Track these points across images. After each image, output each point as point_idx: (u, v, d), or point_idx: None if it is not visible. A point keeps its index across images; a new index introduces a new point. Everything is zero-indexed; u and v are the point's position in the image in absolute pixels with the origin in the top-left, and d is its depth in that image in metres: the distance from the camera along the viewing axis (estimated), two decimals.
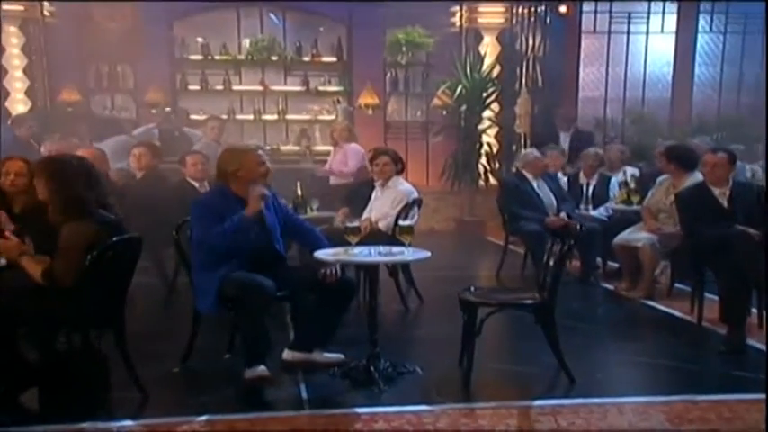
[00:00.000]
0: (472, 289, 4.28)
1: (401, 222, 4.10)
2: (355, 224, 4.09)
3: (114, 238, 3.46)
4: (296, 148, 10.01)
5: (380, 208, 5.84)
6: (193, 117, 9.65)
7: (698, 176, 6.06)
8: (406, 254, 4.02)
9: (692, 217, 5.22)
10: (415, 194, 5.86)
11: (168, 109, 9.43)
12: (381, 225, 5.65)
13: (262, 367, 3.86)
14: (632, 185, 6.84)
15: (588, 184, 7.34)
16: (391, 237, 5.15)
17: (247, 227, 4.01)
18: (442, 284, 6.36)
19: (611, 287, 6.53)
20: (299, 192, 6.08)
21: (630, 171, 7.90)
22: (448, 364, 4.29)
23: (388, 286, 5.63)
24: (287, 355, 4.23)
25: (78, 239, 3.44)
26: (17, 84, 9.61)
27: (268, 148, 9.81)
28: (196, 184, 5.83)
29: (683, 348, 4.77)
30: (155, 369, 4.14)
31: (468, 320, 4.04)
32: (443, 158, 10.13)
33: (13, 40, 9.56)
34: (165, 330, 5.20)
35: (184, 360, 4.32)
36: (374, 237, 5.07)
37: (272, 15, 10.36)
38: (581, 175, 7.41)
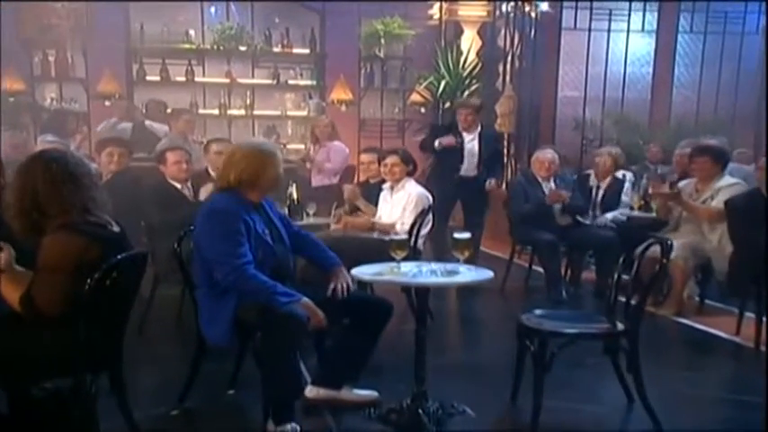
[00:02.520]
0: (537, 312, 3.64)
1: (457, 235, 3.41)
2: (403, 237, 3.39)
3: (117, 256, 2.68)
4: None
5: (391, 214, 5.17)
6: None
7: (729, 180, 5.61)
8: (465, 273, 3.34)
9: (748, 227, 4.70)
10: (431, 199, 5.22)
11: (124, 101, 8.50)
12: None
13: (292, 425, 3.13)
14: (650, 190, 6.31)
15: (599, 187, 6.79)
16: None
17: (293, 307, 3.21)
18: (444, 300, 5.77)
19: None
20: (294, 194, 5.32)
21: (628, 175, 7.47)
22: (492, 399, 3.71)
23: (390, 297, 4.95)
24: (310, 392, 3.54)
25: (64, 257, 2.65)
26: None
27: None
28: (178, 186, 5.01)
29: (747, 377, 4.24)
30: (144, 410, 3.36)
31: (538, 352, 3.39)
32: (421, 159, 9.43)
33: None
34: (147, 358, 4.42)
35: (182, 399, 3.56)
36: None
37: (232, 6, 9.53)
38: (592, 176, 6.85)
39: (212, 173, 5.44)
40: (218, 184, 3.54)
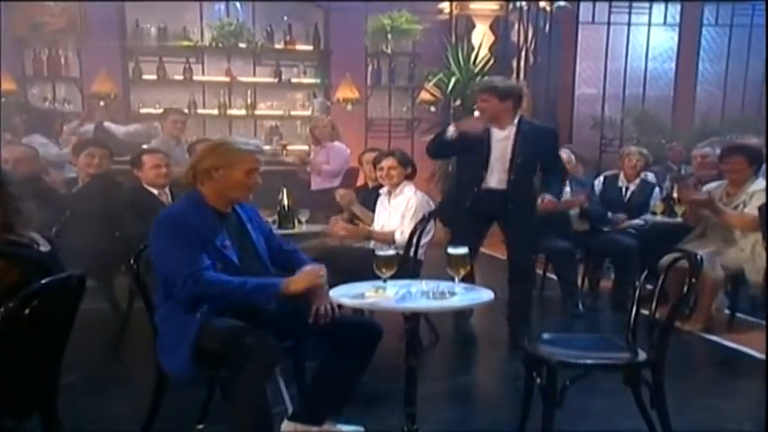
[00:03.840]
0: (545, 337, 3.18)
1: (451, 250, 2.94)
2: (390, 252, 2.93)
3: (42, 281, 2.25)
4: (266, 147, 8.76)
5: (388, 221, 4.73)
6: (146, 110, 8.40)
7: (762, 183, 5.12)
8: (461, 296, 2.88)
9: None
10: (432, 204, 4.77)
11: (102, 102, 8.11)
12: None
13: None
14: (674, 194, 5.82)
15: (627, 188, 6.30)
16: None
17: (268, 298, 2.88)
18: (448, 314, 5.32)
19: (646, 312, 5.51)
20: (285, 201, 4.88)
21: (650, 176, 6.98)
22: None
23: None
24: (287, 427, 3.09)
25: None
26: None
27: None
28: (156, 192, 4.58)
29: None
30: None
31: (546, 385, 2.93)
32: (431, 160, 8.98)
33: None
34: (118, 379, 4.01)
35: None
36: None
37: (237, 4, 9.11)
38: (621, 177, 6.35)
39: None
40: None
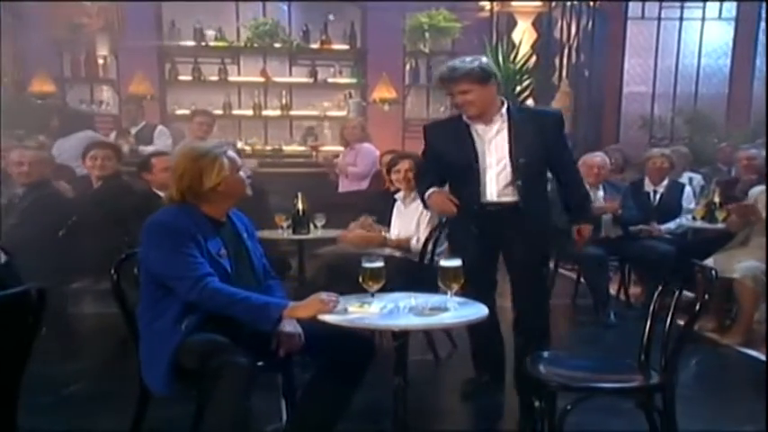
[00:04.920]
0: (545, 356, 2.96)
1: (444, 263, 2.75)
2: (377, 264, 2.74)
3: None
4: (301, 148, 8.68)
5: (403, 227, 4.53)
6: (181, 112, 8.38)
7: None
8: (452, 312, 2.68)
9: None
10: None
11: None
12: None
13: None
14: (716, 197, 5.49)
15: (655, 192, 5.98)
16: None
17: (269, 320, 2.68)
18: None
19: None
20: (300, 205, 4.73)
21: (696, 178, 6.65)
22: None
23: None
24: None
25: None
26: None
27: (269, 148, 8.56)
28: (164, 195, 4.49)
29: None
30: None
31: (542, 409, 2.71)
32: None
33: None
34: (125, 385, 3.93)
35: None
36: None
37: (281, 5, 9.03)
38: (646, 181, 6.04)
39: None
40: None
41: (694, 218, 5.59)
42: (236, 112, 8.82)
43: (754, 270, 4.63)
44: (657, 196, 5.96)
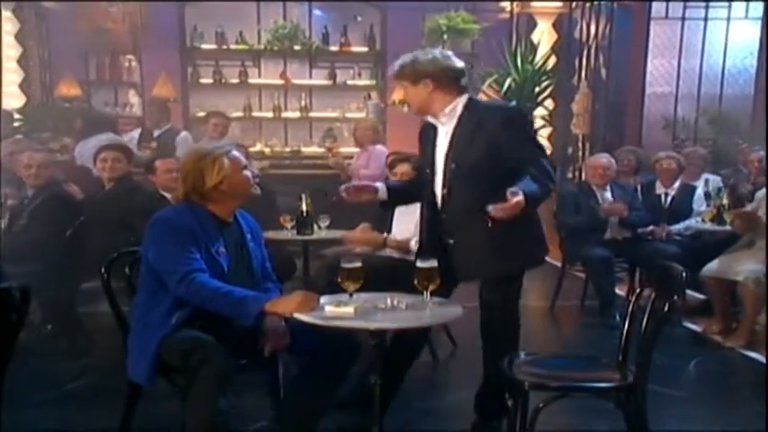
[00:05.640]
0: (522, 356, 3.00)
1: (419, 263, 2.80)
2: (356, 264, 2.80)
3: None
4: (320, 149, 8.77)
5: (402, 227, 4.58)
6: (203, 114, 8.51)
7: None
8: (427, 313, 2.73)
9: None
10: None
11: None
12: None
13: None
14: (724, 200, 5.45)
15: (666, 195, 5.96)
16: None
17: (250, 313, 2.73)
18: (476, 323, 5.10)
19: (697, 328, 5.18)
20: (304, 207, 4.81)
21: (713, 180, 6.57)
22: None
23: None
24: None
25: None
26: (11, 76, 8.54)
27: (288, 149, 8.67)
28: (169, 197, 4.60)
29: None
30: None
31: (514, 408, 2.76)
32: None
33: (7, 26, 8.49)
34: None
35: None
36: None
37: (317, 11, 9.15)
38: (657, 183, 6.01)
39: None
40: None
41: (703, 220, 5.56)
42: (256, 114, 8.95)
43: (756, 273, 4.60)
44: (668, 198, 5.95)
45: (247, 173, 3.00)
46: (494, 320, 3.24)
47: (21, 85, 8.59)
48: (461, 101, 3.18)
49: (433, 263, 2.80)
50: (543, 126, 8.84)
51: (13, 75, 8.56)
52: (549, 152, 8.82)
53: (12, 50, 8.55)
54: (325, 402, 3.03)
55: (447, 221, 3.21)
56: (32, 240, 4.34)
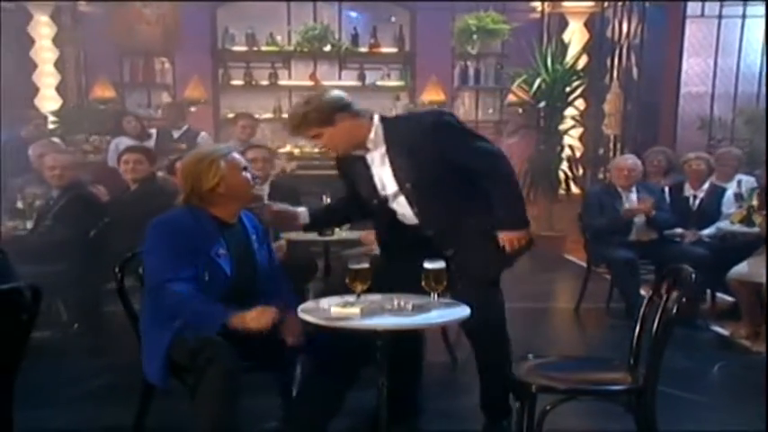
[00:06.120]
0: (530, 357, 2.98)
1: (427, 264, 2.79)
2: (363, 265, 2.81)
3: None
4: None
5: None
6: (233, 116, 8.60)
7: None
8: (434, 312, 2.73)
9: None
10: None
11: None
12: None
13: None
14: (754, 201, 5.34)
15: (695, 197, 5.85)
16: None
17: (213, 326, 2.74)
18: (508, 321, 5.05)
19: (724, 332, 5.08)
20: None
21: (746, 181, 6.43)
22: None
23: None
24: None
25: None
26: (48, 79, 8.75)
27: (317, 150, 8.68)
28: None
29: None
30: None
31: (522, 411, 2.74)
32: (518, 163, 8.71)
33: (44, 30, 8.69)
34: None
35: None
36: None
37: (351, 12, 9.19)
38: (686, 185, 5.91)
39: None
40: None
41: (732, 222, 5.45)
42: (286, 115, 8.97)
43: None
44: (697, 201, 5.83)
45: (246, 175, 2.97)
46: (479, 321, 3.01)
47: (57, 88, 8.75)
48: (377, 122, 3.11)
49: (441, 264, 2.79)
50: (573, 126, 8.75)
51: (51, 78, 8.76)
52: (579, 153, 8.80)
53: (49, 54, 8.74)
54: (336, 403, 3.03)
55: (437, 236, 3.14)
56: (57, 241, 4.44)
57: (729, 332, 5.02)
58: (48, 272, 4.39)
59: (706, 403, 3.83)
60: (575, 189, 8.50)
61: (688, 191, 5.87)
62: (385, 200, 3.17)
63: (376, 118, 3.12)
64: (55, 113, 8.22)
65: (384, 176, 3.14)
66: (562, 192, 8.59)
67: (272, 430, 3.19)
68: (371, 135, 3.09)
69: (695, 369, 4.33)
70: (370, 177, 3.16)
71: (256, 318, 2.68)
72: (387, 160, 3.10)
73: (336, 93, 3.14)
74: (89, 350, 4.60)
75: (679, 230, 5.57)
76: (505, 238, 3.04)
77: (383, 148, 3.10)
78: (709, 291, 5.63)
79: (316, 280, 5.03)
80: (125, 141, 6.76)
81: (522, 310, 5.73)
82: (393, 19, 9.16)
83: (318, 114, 3.01)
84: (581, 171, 8.78)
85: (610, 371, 2.89)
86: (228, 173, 2.91)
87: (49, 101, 8.68)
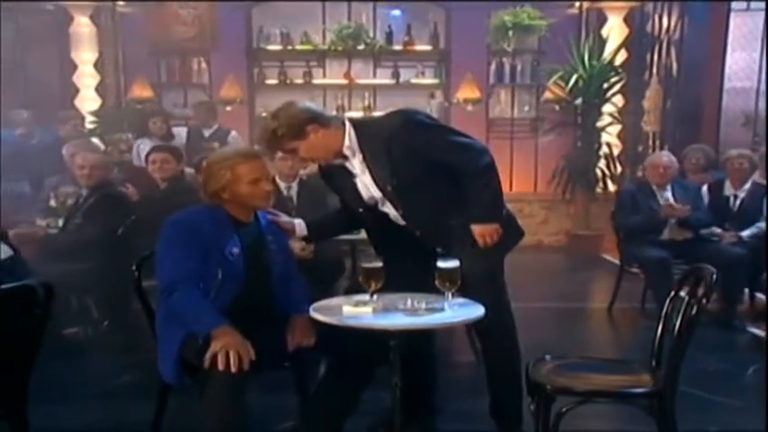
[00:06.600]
0: (548, 358, 2.92)
1: (441, 264, 2.75)
2: (377, 264, 2.78)
3: None
4: None
5: None
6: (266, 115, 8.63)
7: None
8: (448, 312, 2.69)
9: None
10: None
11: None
12: None
13: None
14: None
15: (736, 197, 5.68)
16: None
17: (199, 333, 2.70)
18: (536, 322, 4.98)
19: (761, 333, 4.93)
20: None
21: None
22: None
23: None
24: None
25: None
26: (87, 80, 8.88)
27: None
28: None
29: None
30: None
31: (537, 413, 2.68)
32: (555, 160, 8.61)
33: (84, 31, 8.83)
34: None
35: None
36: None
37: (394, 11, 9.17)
38: (727, 184, 5.74)
39: (279, 181, 5.10)
40: None
41: None
42: None
43: None
44: (738, 201, 5.65)
45: (256, 186, 2.92)
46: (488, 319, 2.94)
47: (97, 89, 8.89)
48: (348, 127, 3.07)
49: (455, 263, 2.76)
50: (611, 123, 8.59)
51: (90, 79, 8.89)
52: (618, 151, 8.64)
53: (89, 55, 8.87)
54: (351, 403, 3.01)
55: (424, 236, 3.15)
56: (86, 239, 4.49)
57: (766, 333, 4.87)
58: (78, 269, 4.48)
59: (737, 406, 3.72)
60: (612, 187, 8.34)
61: (728, 189, 5.70)
62: (375, 204, 3.14)
63: (347, 124, 3.08)
64: (94, 113, 8.34)
65: (367, 182, 3.11)
66: (599, 190, 8.43)
67: (289, 430, 3.17)
68: (346, 142, 3.05)
69: (729, 371, 4.22)
70: (354, 185, 3.14)
71: (223, 356, 2.55)
72: (365, 166, 3.07)
73: (303, 104, 3.07)
74: (118, 347, 4.66)
75: (717, 230, 5.43)
76: (476, 231, 3.02)
77: (359, 154, 3.07)
78: (747, 291, 5.46)
79: (343, 279, 5.02)
80: (147, 143, 6.83)
81: (555, 309, 5.67)
82: (431, 15, 9.09)
83: (288, 129, 2.97)
84: (619, 169, 8.61)
85: (630, 373, 2.82)
86: (233, 181, 2.91)
87: (88, 101, 8.79)
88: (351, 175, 3.13)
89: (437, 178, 3.07)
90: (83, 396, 3.88)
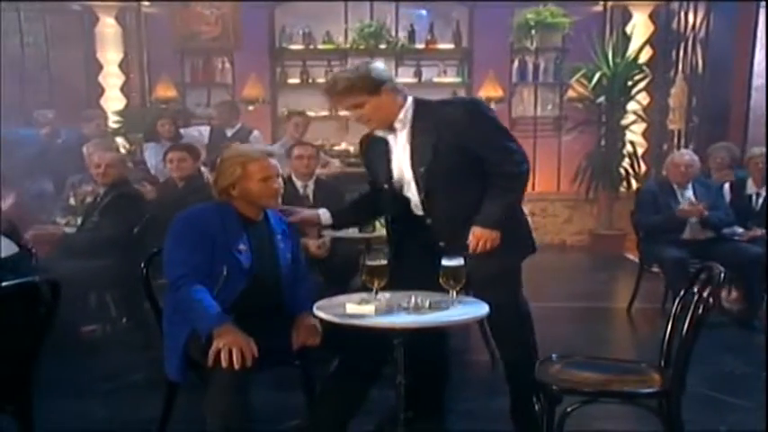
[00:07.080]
0: (554, 358, 2.89)
1: (445, 261, 2.74)
2: (381, 262, 2.77)
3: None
4: None
5: None
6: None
7: None
8: (451, 310, 2.68)
9: None
10: None
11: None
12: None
13: None
14: None
15: (758, 195, 5.58)
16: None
17: (201, 331, 2.73)
18: (554, 322, 4.93)
19: None
20: None
21: None
22: None
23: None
24: None
25: None
26: (112, 79, 8.99)
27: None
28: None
29: None
30: None
31: (542, 413, 2.66)
32: (578, 159, 8.54)
33: (109, 31, 8.93)
34: None
35: None
36: None
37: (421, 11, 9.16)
38: (749, 183, 5.65)
39: (295, 180, 5.12)
40: None
41: None
42: (342, 113, 8.98)
43: None
44: (760, 199, 5.56)
45: (267, 184, 2.95)
46: (502, 322, 3.07)
47: (122, 89, 8.99)
48: (410, 103, 3.12)
49: (460, 261, 2.74)
50: (635, 121, 8.49)
51: (115, 78, 8.99)
52: (643, 149, 8.54)
53: (114, 55, 8.97)
54: (358, 402, 3.01)
55: (434, 225, 3.16)
56: (103, 236, 4.54)
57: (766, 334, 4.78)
58: (95, 267, 4.51)
59: (752, 408, 3.65)
60: (636, 186, 8.25)
61: (750, 188, 5.60)
62: (399, 186, 3.17)
63: (410, 99, 3.13)
64: (119, 113, 8.44)
65: (402, 160, 3.14)
66: (623, 189, 8.34)
67: (296, 428, 3.18)
68: (401, 115, 3.09)
69: (745, 372, 4.16)
70: (389, 161, 3.17)
71: (226, 353, 2.57)
72: (407, 142, 3.09)
73: (381, 64, 3.18)
74: (135, 344, 4.70)
75: (740, 229, 5.35)
76: (475, 232, 3.02)
77: (408, 130, 3.09)
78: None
79: (357, 276, 5.01)
80: (153, 146, 6.89)
81: (575, 309, 5.64)
82: (454, 14, 9.06)
83: (366, 82, 3.00)
84: (643, 168, 8.51)
85: (638, 373, 2.78)
86: (243, 178, 2.94)
87: (114, 101, 8.89)
88: (388, 150, 3.16)
89: (469, 175, 3.08)
90: (96, 393, 3.92)
